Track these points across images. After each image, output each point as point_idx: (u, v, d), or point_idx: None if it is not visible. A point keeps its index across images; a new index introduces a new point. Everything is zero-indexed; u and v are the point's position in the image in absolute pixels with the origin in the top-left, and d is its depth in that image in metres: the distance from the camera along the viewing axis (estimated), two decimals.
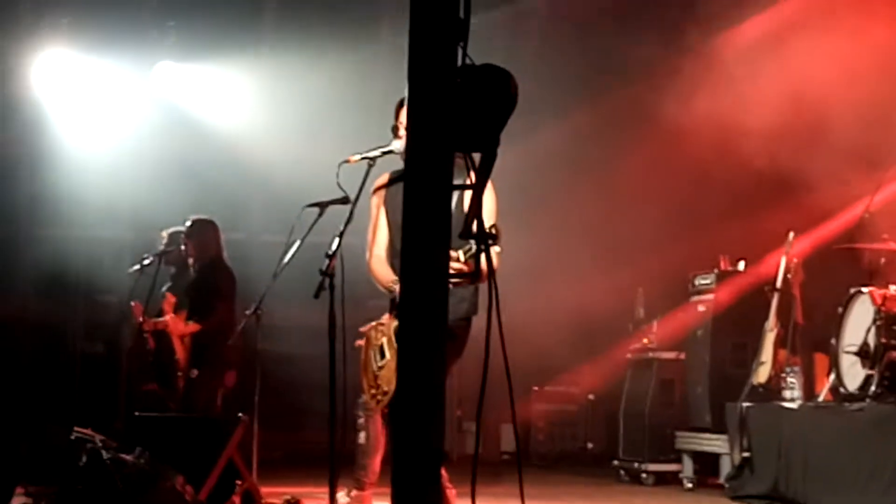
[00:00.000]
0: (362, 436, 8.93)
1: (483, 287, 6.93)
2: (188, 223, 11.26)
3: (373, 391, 7.44)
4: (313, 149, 12.03)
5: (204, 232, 11.21)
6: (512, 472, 6.03)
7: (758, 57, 12.89)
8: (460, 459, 13.95)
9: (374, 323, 7.55)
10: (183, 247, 11.30)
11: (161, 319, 11.25)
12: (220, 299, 10.97)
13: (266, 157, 14.24)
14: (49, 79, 14.12)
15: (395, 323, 7.21)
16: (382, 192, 7.67)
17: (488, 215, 6.96)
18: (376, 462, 9.54)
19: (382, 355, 7.35)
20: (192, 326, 10.87)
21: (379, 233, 7.65)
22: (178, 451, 7.84)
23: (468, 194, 4.73)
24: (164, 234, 11.77)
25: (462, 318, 7.25)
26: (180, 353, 10.89)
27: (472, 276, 6.34)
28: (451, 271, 4.59)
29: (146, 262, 11.61)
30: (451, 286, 4.34)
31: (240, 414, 9.31)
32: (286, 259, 8.84)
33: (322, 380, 8.67)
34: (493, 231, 5.92)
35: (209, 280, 11.07)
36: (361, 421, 9.27)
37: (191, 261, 11.30)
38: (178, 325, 10.87)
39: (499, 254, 6.15)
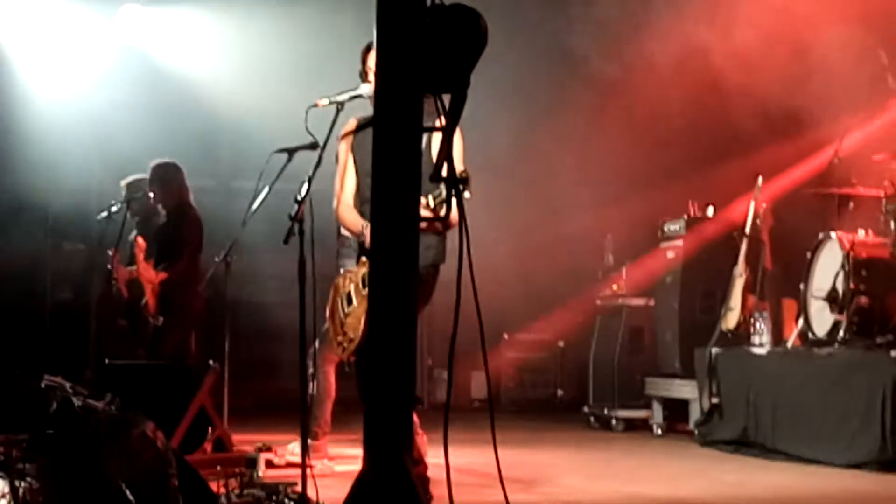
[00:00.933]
0: (313, 385, 8.94)
1: (451, 235, 6.89)
2: (151, 168, 11.12)
3: (339, 338, 7.39)
4: (281, 93, 11.93)
5: (167, 176, 11.05)
6: (483, 419, 6.00)
7: None
8: (431, 407, 13.95)
9: (342, 270, 7.51)
10: (150, 193, 11.18)
11: (133, 267, 11.18)
12: (186, 246, 10.86)
13: (234, 102, 14.12)
14: (12, 22, 13.95)
15: (363, 270, 7.16)
16: (350, 138, 7.58)
17: (457, 160, 6.90)
18: (327, 411, 9.56)
19: (350, 302, 7.31)
20: (162, 274, 10.77)
21: (347, 179, 7.55)
22: (149, 399, 7.79)
23: (437, 138, 4.69)
24: (123, 183, 11.65)
25: (430, 265, 7.19)
26: (151, 299, 10.81)
27: (442, 220, 6.29)
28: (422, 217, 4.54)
29: (114, 209, 11.53)
30: (420, 232, 4.30)
31: (210, 361, 9.29)
32: (255, 206, 8.79)
33: (292, 327, 8.67)
34: (464, 175, 5.89)
35: (176, 227, 10.96)
36: (312, 371, 9.28)
37: (159, 207, 11.18)
38: (149, 272, 10.77)
39: (468, 199, 6.10)
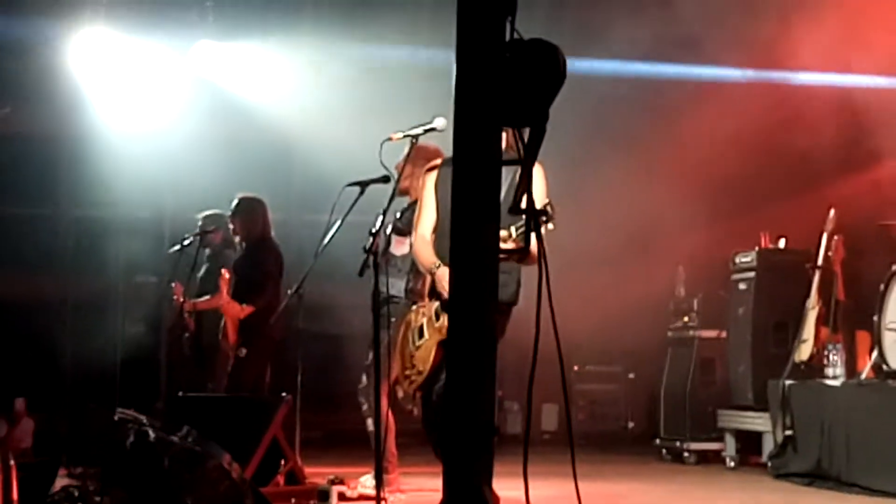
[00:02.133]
0: (370, 422, 8.95)
1: (527, 273, 6.85)
2: (235, 201, 11.18)
3: (406, 371, 7.41)
4: (355, 128, 11.99)
5: (252, 210, 11.14)
6: (554, 451, 6.03)
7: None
8: (502, 439, 13.93)
9: (414, 306, 7.52)
10: (231, 226, 11.27)
11: (202, 300, 11.27)
12: (269, 278, 10.93)
13: (306, 135, 14.21)
14: (87, 57, 14.11)
15: (435, 304, 7.17)
16: (435, 173, 7.56)
17: (539, 193, 6.87)
18: (392, 443, 9.57)
19: (421, 335, 7.32)
20: (248, 308, 10.82)
21: (426, 212, 7.51)
22: (222, 431, 7.85)
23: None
24: (200, 216, 11.78)
25: (504, 303, 7.13)
26: (232, 333, 10.87)
27: (521, 252, 6.28)
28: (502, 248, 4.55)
29: (186, 242, 11.64)
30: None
31: (283, 394, 9.33)
32: (328, 238, 8.85)
33: (363, 359, 8.71)
34: (548, 209, 5.89)
35: (258, 259, 11.01)
36: (366, 408, 9.30)
37: (237, 239, 11.26)
38: (233, 306, 10.83)
39: (549, 231, 6.07)
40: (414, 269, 7.82)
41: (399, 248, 9.44)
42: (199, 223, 11.67)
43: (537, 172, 7.02)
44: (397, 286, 8.65)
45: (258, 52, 14.56)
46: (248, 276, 10.95)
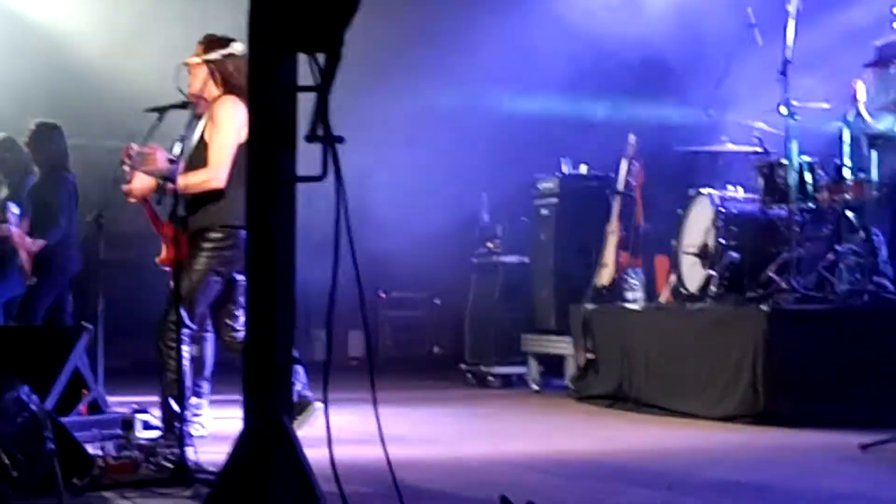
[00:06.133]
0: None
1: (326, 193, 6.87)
2: (32, 127, 10.96)
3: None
4: (152, 50, 11.78)
5: (49, 137, 10.94)
6: (360, 377, 6.04)
7: None
8: (310, 366, 13.93)
9: None
10: (26, 150, 11.02)
11: (4, 225, 11.02)
12: (62, 212, 10.76)
13: (105, 59, 13.91)
14: None
15: None
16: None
17: None
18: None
19: None
20: (40, 242, 10.64)
21: None
22: (22, 362, 7.69)
23: None
24: None
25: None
26: (27, 264, 10.68)
27: (318, 179, 6.26)
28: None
29: None
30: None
31: (83, 322, 9.18)
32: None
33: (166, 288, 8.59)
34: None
35: (52, 191, 10.84)
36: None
37: (35, 168, 11.03)
38: (24, 240, 10.64)
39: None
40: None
41: None
42: None
43: None
44: None
45: None
46: (42, 207, 10.77)
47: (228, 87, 7.89)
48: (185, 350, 7.59)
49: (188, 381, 7.82)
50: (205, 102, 7.97)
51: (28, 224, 10.75)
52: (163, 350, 7.60)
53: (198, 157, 7.77)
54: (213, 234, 7.78)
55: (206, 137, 7.81)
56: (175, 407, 7.47)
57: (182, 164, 7.37)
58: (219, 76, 7.92)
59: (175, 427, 7.26)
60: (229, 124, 7.70)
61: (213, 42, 8.00)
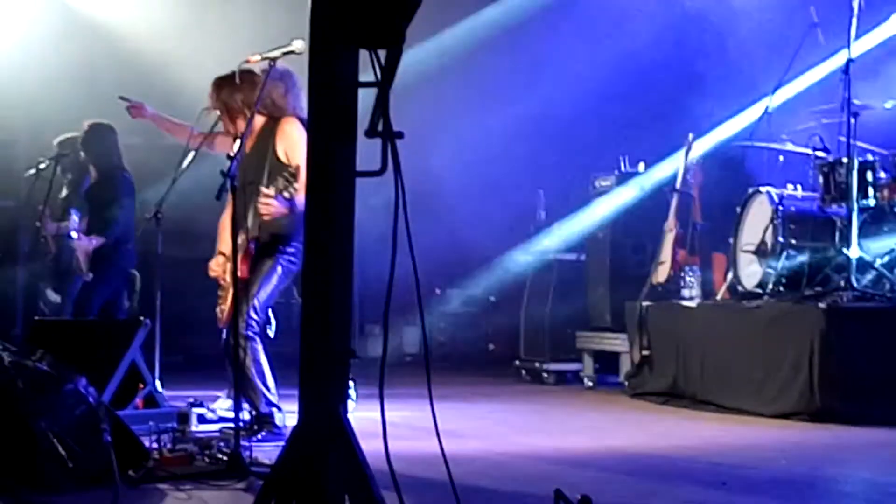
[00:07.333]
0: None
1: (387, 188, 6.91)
2: (84, 128, 11.06)
3: (220, 304, 7.76)
4: (213, 48, 11.83)
5: (102, 138, 11.04)
6: (415, 373, 6.05)
7: None
8: (364, 362, 13.96)
9: None
10: (81, 153, 11.14)
11: (63, 223, 11.12)
12: (120, 209, 10.85)
13: (165, 58, 14.00)
14: None
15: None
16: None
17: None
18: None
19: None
20: (97, 242, 10.75)
21: None
22: (80, 356, 7.76)
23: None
24: (55, 141, 11.60)
25: None
26: (84, 262, 10.79)
27: (378, 174, 6.29)
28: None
29: (42, 166, 11.49)
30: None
31: (141, 317, 9.25)
32: (186, 162, 8.76)
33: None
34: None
35: (108, 189, 10.94)
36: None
37: (91, 168, 11.14)
38: (83, 242, 10.77)
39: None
40: None
41: None
42: (55, 148, 11.50)
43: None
44: None
45: None
46: (99, 206, 10.88)
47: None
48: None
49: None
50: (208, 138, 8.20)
51: (86, 224, 10.87)
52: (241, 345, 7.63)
53: (268, 172, 7.85)
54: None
55: (280, 154, 7.88)
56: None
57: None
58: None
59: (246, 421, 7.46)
60: (303, 144, 7.77)
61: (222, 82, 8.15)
